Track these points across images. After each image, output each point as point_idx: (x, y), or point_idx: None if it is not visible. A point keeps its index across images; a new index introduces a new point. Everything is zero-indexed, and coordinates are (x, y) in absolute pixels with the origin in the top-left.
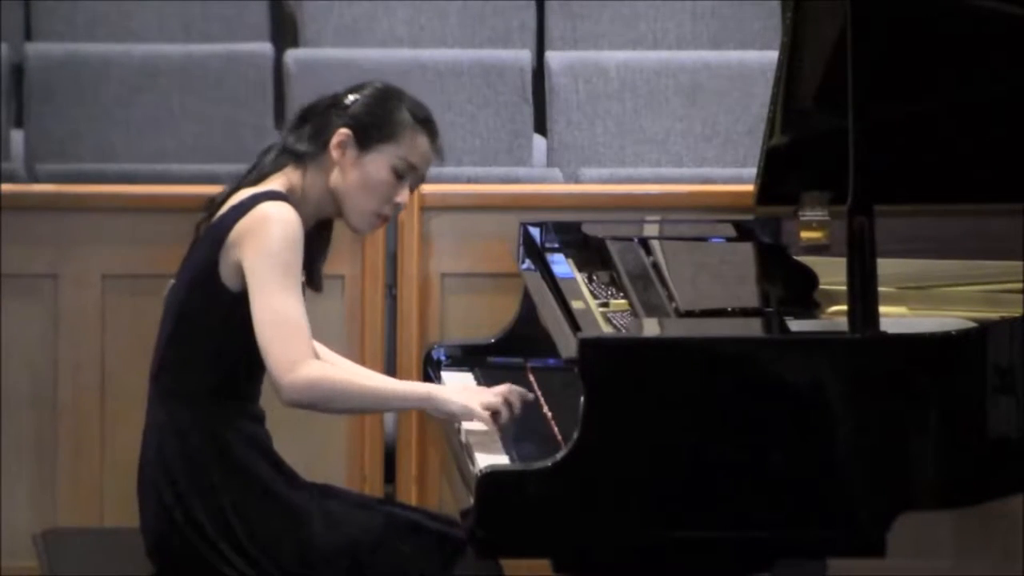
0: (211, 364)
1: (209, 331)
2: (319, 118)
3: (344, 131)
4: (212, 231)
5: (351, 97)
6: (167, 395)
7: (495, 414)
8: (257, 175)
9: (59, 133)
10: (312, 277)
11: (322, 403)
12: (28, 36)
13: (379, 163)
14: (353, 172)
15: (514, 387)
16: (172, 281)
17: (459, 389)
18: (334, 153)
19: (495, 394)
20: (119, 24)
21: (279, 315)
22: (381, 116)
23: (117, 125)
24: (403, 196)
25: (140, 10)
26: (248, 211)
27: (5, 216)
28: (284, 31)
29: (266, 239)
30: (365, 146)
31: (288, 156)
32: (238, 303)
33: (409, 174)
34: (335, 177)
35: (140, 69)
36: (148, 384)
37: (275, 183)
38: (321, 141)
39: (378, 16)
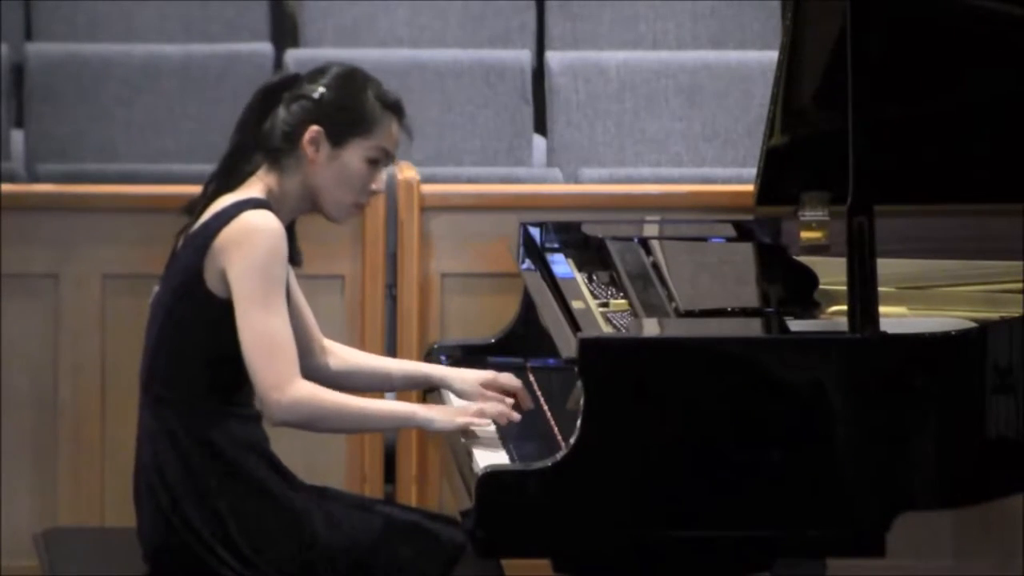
0: (202, 369)
1: (198, 337)
2: (285, 111)
3: (315, 128)
4: (195, 238)
5: (319, 90)
6: (159, 403)
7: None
8: (232, 178)
9: (59, 133)
10: (292, 256)
11: (309, 423)
12: (28, 36)
13: (354, 156)
14: (328, 168)
15: (490, 407)
16: (156, 288)
17: (440, 408)
18: (307, 150)
19: (477, 409)
20: (119, 24)
21: (265, 335)
22: (352, 109)
23: (117, 125)
24: (379, 183)
25: (140, 10)
26: (232, 219)
27: (5, 216)
28: (284, 31)
29: (251, 252)
30: (338, 141)
31: (259, 155)
32: (226, 309)
33: (383, 159)
34: (310, 173)
35: (140, 69)
36: (139, 392)
37: (253, 187)
38: (292, 139)
39: (378, 16)
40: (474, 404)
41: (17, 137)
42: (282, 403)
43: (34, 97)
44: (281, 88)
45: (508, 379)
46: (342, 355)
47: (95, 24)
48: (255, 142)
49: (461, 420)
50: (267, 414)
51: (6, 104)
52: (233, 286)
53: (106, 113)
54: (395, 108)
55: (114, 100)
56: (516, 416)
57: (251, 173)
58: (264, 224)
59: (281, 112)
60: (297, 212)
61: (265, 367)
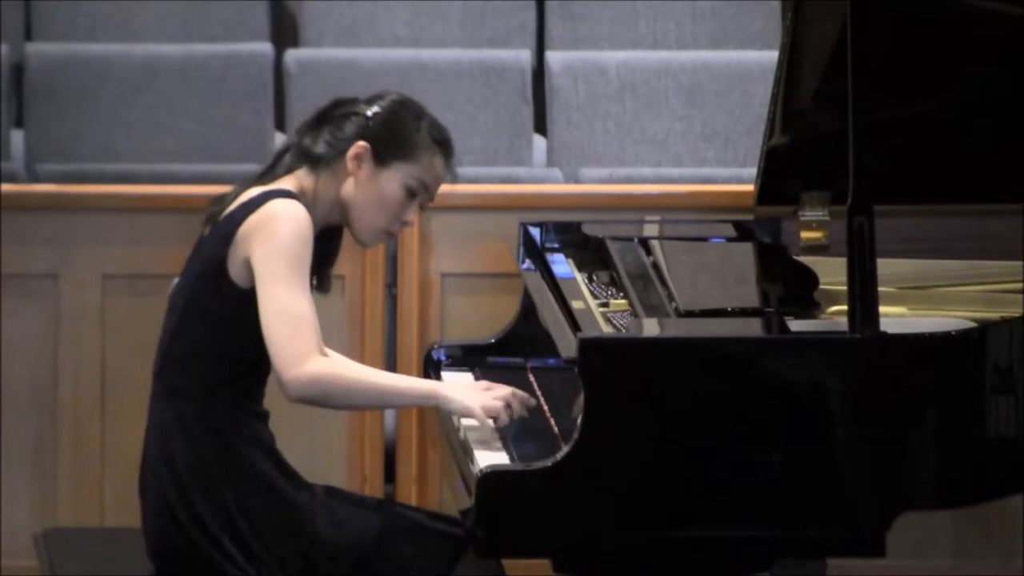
0: (217, 361)
1: (216, 327)
2: (337, 125)
3: (362, 144)
4: (221, 227)
5: (373, 109)
6: (171, 392)
7: (495, 418)
8: (269, 175)
9: (59, 133)
10: (320, 281)
11: (326, 399)
12: (28, 36)
13: (393, 180)
14: (367, 186)
15: (518, 392)
16: (176, 279)
17: (463, 387)
18: (350, 164)
19: (497, 398)
20: (119, 24)
21: (286, 309)
22: (401, 134)
23: (117, 125)
24: (411, 215)
25: (140, 10)
26: (258, 208)
27: (5, 216)
28: (284, 31)
29: (275, 234)
30: (382, 162)
31: (303, 158)
32: (247, 300)
33: (421, 193)
34: (347, 188)
35: (140, 69)
36: (151, 381)
37: (286, 183)
38: (338, 149)
39: (378, 16)
40: (496, 392)
41: (17, 137)
42: (301, 378)
43: (34, 97)
44: (342, 105)
45: (502, 391)
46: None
47: (95, 24)
48: (299, 147)
49: (479, 412)
50: (285, 390)
51: (6, 104)
52: (256, 267)
53: (106, 113)
54: (444, 144)
55: (114, 100)
56: (532, 402)
57: (287, 171)
58: (289, 210)
59: (335, 123)
60: (325, 221)
61: (285, 342)
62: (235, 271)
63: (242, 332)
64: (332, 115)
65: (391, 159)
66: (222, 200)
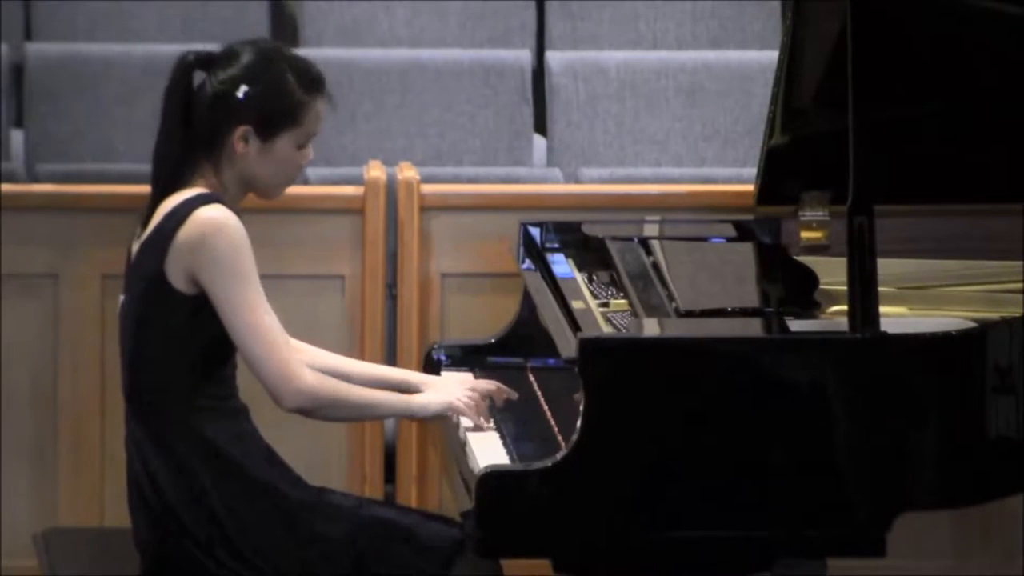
0: (184, 370)
1: (174, 339)
2: (212, 113)
3: (243, 128)
4: (152, 243)
5: (242, 89)
6: (146, 410)
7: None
8: (178, 178)
9: (59, 133)
10: None
11: (323, 409)
12: (28, 36)
13: (285, 146)
14: (262, 161)
15: (481, 383)
16: (122, 298)
17: (436, 391)
18: (237, 147)
19: (471, 388)
20: (119, 24)
21: (260, 330)
22: (278, 105)
23: (117, 125)
24: (308, 155)
25: (140, 10)
26: (186, 217)
27: (5, 216)
28: (284, 31)
29: (218, 252)
30: (268, 137)
31: (189, 149)
32: (197, 305)
33: (312, 138)
34: (242, 165)
35: (140, 69)
36: (124, 403)
37: (198, 185)
38: (221, 138)
39: (378, 16)
40: (466, 386)
41: (17, 137)
42: (301, 390)
43: (34, 97)
44: (195, 67)
45: (481, 384)
46: (310, 357)
47: (95, 24)
48: (189, 143)
49: (458, 406)
50: (281, 402)
51: (6, 104)
52: (209, 290)
53: (106, 113)
54: (317, 87)
55: (114, 100)
56: (504, 396)
57: (192, 170)
58: (222, 221)
59: (206, 111)
60: (241, 197)
61: (269, 362)
62: (177, 282)
63: (200, 337)
64: (201, 94)
65: (277, 132)
66: (147, 218)
